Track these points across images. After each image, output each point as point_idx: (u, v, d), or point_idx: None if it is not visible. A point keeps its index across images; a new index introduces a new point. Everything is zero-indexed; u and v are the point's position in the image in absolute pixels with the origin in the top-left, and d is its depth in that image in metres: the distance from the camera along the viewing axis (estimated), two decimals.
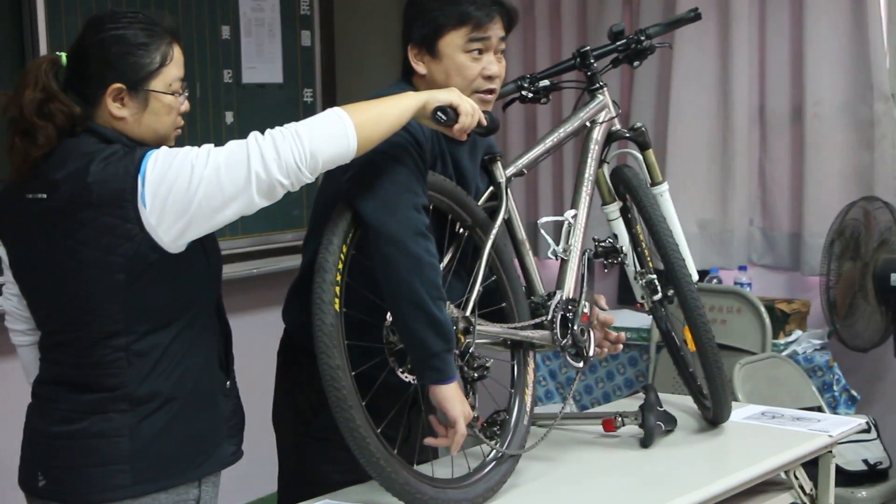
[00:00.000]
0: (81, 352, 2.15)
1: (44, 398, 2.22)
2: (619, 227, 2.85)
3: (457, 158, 2.49)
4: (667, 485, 2.48)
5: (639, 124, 2.87)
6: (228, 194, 2.07)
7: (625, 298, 4.75)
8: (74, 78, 2.18)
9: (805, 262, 4.47)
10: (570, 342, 2.55)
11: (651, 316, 2.94)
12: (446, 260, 2.41)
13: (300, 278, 2.52)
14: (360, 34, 5.07)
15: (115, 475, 2.13)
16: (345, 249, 2.21)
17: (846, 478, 3.89)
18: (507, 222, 2.55)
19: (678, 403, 2.95)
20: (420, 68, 2.45)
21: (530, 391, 2.51)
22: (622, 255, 2.75)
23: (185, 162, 2.07)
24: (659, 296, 2.82)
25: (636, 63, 2.85)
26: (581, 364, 2.58)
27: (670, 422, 2.78)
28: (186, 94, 2.25)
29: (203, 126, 4.35)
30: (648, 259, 2.85)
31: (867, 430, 3.99)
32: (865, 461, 4.01)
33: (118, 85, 2.15)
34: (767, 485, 2.71)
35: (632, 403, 2.84)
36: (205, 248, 2.21)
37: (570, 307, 2.57)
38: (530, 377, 2.52)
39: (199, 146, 2.11)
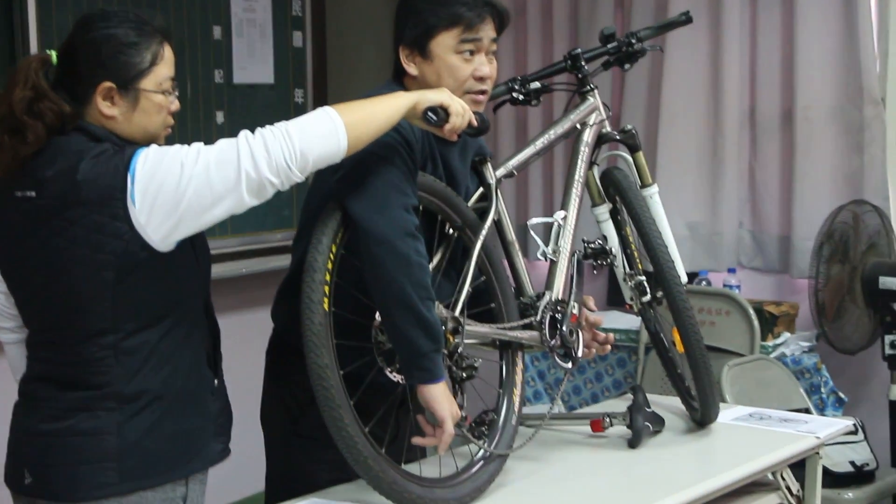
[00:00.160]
0: (69, 349, 2.15)
1: (31, 396, 2.22)
2: (609, 229, 2.85)
3: (447, 159, 2.49)
4: (654, 485, 2.48)
5: (629, 126, 2.88)
6: (218, 193, 2.07)
7: (614, 300, 4.75)
8: (64, 76, 2.18)
9: (794, 265, 4.47)
10: (558, 343, 2.55)
11: (640, 317, 2.94)
12: (436, 260, 2.41)
13: (289, 278, 2.52)
14: (352, 35, 5.06)
15: (101, 473, 2.13)
16: (334, 249, 2.21)
17: (833, 479, 3.89)
18: (497, 223, 2.55)
19: (666, 404, 2.96)
20: (411, 69, 2.45)
21: (518, 391, 2.51)
22: (611, 257, 2.75)
23: (175, 160, 2.07)
24: (648, 297, 2.82)
25: (627, 66, 2.85)
26: (570, 365, 2.59)
27: (658, 423, 2.78)
28: (177, 94, 2.24)
29: (194, 126, 4.34)
30: (638, 261, 2.86)
31: (854, 432, 3.99)
32: (852, 463, 4.02)
33: (108, 84, 2.15)
34: (755, 486, 2.71)
35: (620, 404, 2.85)
36: (194, 247, 2.21)
37: (559, 308, 2.57)
38: (519, 377, 2.52)
39: (190, 145, 2.11)
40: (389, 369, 2.28)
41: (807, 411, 3.88)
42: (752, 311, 4.21)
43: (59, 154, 2.13)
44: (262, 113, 4.50)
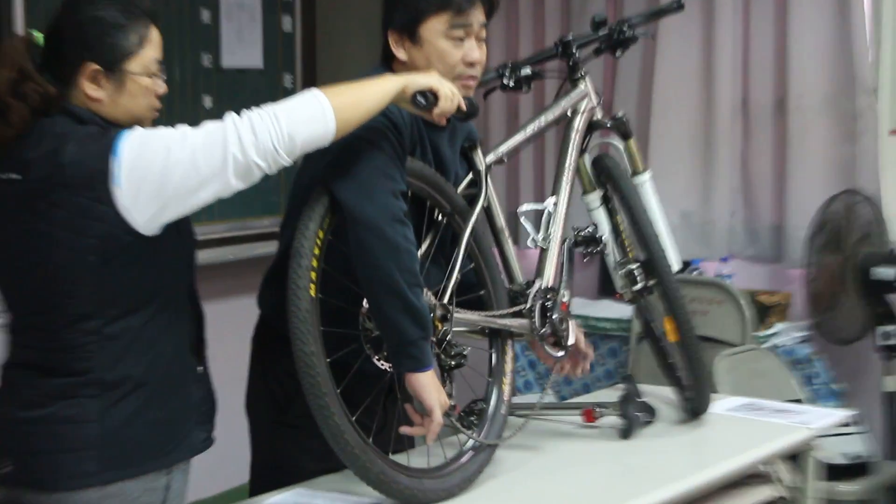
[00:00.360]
0: (51, 335, 2.13)
1: (11, 382, 2.20)
2: (600, 217, 2.85)
3: (436, 144, 2.48)
4: (646, 476, 2.48)
5: (621, 113, 2.88)
6: (204, 176, 2.06)
7: (605, 289, 4.75)
8: (50, 58, 2.17)
9: (787, 255, 4.47)
10: (548, 331, 2.54)
11: (632, 306, 2.94)
12: (424, 247, 2.40)
13: (276, 264, 2.51)
14: (342, 20, 5.05)
15: (83, 461, 2.11)
16: (321, 235, 2.21)
17: (828, 471, 3.89)
18: (487, 210, 2.55)
19: (658, 395, 2.96)
20: (401, 54, 2.44)
21: (508, 380, 2.51)
22: (603, 245, 2.75)
23: (161, 143, 2.06)
24: (640, 286, 2.82)
25: (619, 53, 2.85)
26: (560, 353, 2.58)
27: (650, 413, 2.78)
28: (164, 77, 2.23)
29: (181, 110, 4.32)
30: (629, 249, 2.85)
31: (849, 424, 3.99)
32: (847, 455, 4.02)
33: (94, 66, 2.14)
34: (748, 478, 2.71)
35: (612, 394, 2.85)
36: (179, 232, 2.19)
37: (549, 296, 2.57)
38: (508, 366, 2.52)
39: (176, 127, 2.10)
40: (377, 357, 2.28)
41: (800, 403, 3.88)
42: (744, 301, 4.21)
43: (43, 136, 2.11)
44: (251, 97, 4.47)
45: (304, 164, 2.46)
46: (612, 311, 4.51)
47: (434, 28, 2.41)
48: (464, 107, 2.32)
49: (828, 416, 2.94)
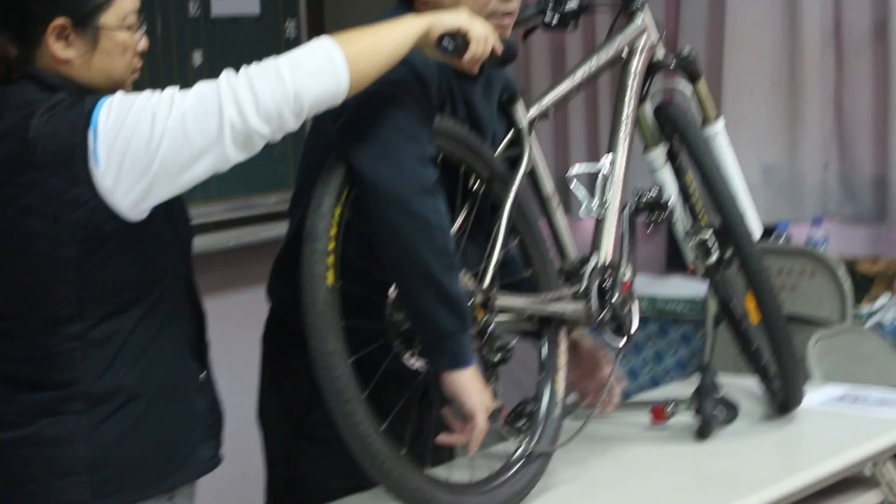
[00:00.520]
0: (28, 342, 2.16)
1: None
2: (666, 177, 2.86)
3: (469, 98, 2.49)
4: (728, 484, 2.49)
5: (687, 50, 2.88)
6: (198, 147, 2.08)
7: (674, 263, 4.76)
8: (10, 13, 2.18)
9: (892, 214, 4.46)
10: (608, 316, 2.56)
11: (706, 283, 2.95)
12: (459, 221, 2.41)
13: (286, 248, 2.53)
14: None
15: (70, 489, 2.14)
16: (338, 212, 2.22)
17: None
18: (531, 174, 2.56)
19: (741, 387, 2.96)
20: None
21: (562, 376, 2.52)
22: (669, 211, 2.75)
23: (145, 110, 2.08)
24: (715, 258, 2.83)
25: None
26: (623, 342, 2.60)
27: (731, 409, 2.79)
28: (144, 30, 2.24)
29: (166, 68, 4.34)
30: (702, 214, 2.86)
31: None
32: None
33: (62, 20, 2.15)
34: (850, 481, 2.72)
35: (685, 388, 2.86)
36: (171, 216, 2.22)
37: (607, 274, 2.58)
38: (562, 360, 2.54)
39: (161, 90, 2.12)
40: (408, 354, 2.30)
41: None
42: (841, 272, 4.20)
43: (5, 108, 2.14)
44: (247, 51, 4.44)
45: (314, 128, 2.48)
46: (684, 290, 4.51)
47: None
48: (500, 51, 2.33)
49: None
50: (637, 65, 2.77)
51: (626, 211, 2.68)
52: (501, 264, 2.40)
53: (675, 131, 2.82)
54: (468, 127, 2.46)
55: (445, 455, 2.44)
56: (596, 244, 2.63)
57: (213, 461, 2.33)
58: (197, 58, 4.48)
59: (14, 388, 2.17)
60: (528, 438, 2.43)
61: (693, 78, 2.90)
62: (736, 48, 4.69)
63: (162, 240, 2.20)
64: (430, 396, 2.31)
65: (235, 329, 3.14)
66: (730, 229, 2.75)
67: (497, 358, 2.32)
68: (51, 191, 2.08)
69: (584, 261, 2.59)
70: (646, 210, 2.74)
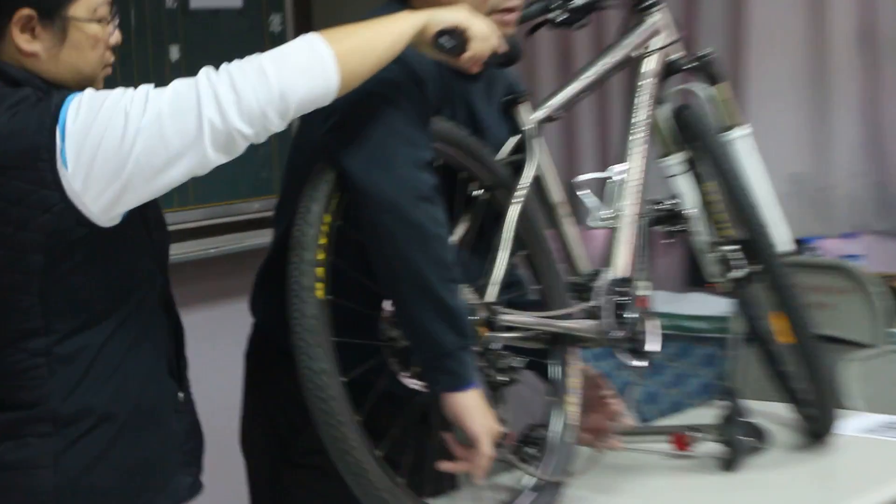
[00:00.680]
0: None
1: None
2: (684, 185, 2.86)
3: (470, 99, 2.50)
4: None
5: (707, 51, 2.88)
6: (174, 149, 2.08)
7: (694, 278, 4.75)
8: None
9: None
10: (624, 334, 2.56)
11: (730, 300, 2.94)
12: (459, 231, 2.42)
13: (271, 258, 2.53)
14: None
15: None
16: (328, 220, 2.22)
17: None
18: (538, 181, 2.56)
19: (770, 413, 2.96)
20: None
21: (574, 399, 2.52)
22: (689, 222, 2.75)
23: (118, 108, 2.08)
24: (739, 273, 2.83)
25: None
26: (640, 363, 2.59)
27: (759, 437, 2.78)
28: (117, 22, 2.25)
29: (141, 64, 4.34)
30: (724, 226, 2.86)
31: None
32: None
33: (27, 11, 2.15)
34: None
35: (709, 414, 2.85)
36: (146, 222, 2.22)
37: (622, 289, 2.58)
38: (574, 381, 2.54)
39: (135, 88, 2.12)
40: (405, 374, 2.29)
41: None
42: (876, 289, 4.20)
43: None
44: (229, 46, 4.49)
45: (301, 129, 2.48)
46: (706, 307, 4.50)
47: None
48: (502, 49, 2.33)
49: None
50: (652, 66, 2.78)
51: (643, 221, 2.68)
52: (507, 286, 2.40)
53: (694, 136, 2.83)
54: (469, 130, 2.46)
55: (447, 485, 2.44)
56: (609, 257, 2.63)
57: (193, 489, 2.33)
58: (174, 53, 4.49)
59: None
60: (537, 467, 2.42)
61: (713, 81, 2.90)
62: (759, 49, 4.69)
63: (136, 248, 2.20)
64: (430, 420, 2.31)
65: (216, 345, 3.14)
66: (755, 243, 2.76)
67: (503, 379, 2.32)
68: (15, 194, 2.08)
69: (596, 274, 2.59)
70: (663, 221, 2.75)
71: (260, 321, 2.62)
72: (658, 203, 2.76)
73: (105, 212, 2.09)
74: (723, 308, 4.38)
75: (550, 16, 2.68)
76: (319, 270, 2.18)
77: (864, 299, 4.22)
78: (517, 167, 2.51)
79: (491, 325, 2.33)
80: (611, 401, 2.71)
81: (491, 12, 2.43)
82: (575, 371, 2.55)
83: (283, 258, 2.22)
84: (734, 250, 2.83)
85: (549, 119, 2.60)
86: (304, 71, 2.12)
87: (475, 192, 2.48)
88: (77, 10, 2.18)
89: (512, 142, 2.55)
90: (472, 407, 2.21)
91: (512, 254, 2.44)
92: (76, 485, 2.15)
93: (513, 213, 2.44)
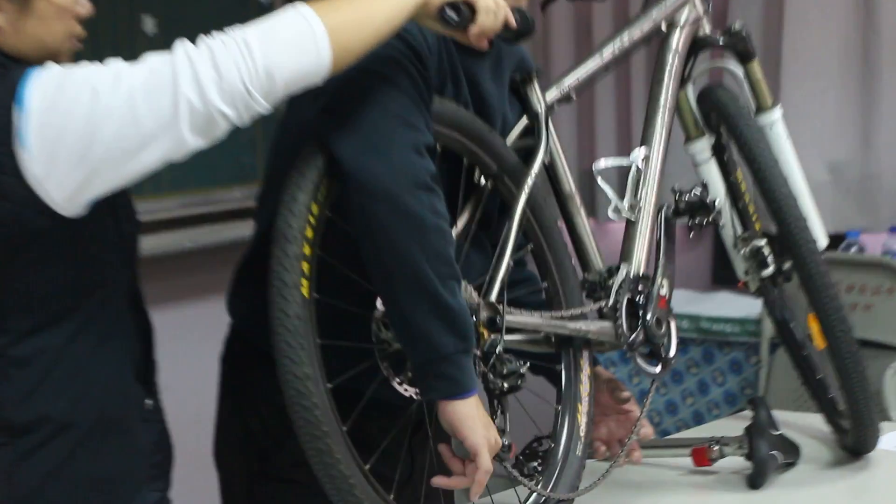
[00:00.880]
0: None
1: None
2: (712, 173, 2.86)
3: (476, 78, 2.50)
4: None
5: (739, 25, 2.88)
6: (148, 131, 2.07)
7: (721, 276, 4.76)
8: None
9: None
10: (641, 337, 2.56)
11: (760, 300, 2.95)
12: (461, 223, 2.42)
13: (253, 252, 2.54)
14: None
15: None
16: (316, 210, 2.22)
17: None
18: (549, 168, 2.57)
19: (802, 425, 2.97)
20: None
21: (585, 409, 2.53)
22: (716, 213, 2.75)
23: (85, 86, 2.07)
24: (771, 270, 2.83)
25: None
26: (658, 369, 2.60)
27: (790, 451, 2.79)
28: None
29: (111, 37, 4.34)
30: (755, 218, 2.86)
31: None
32: None
33: None
34: None
35: (735, 425, 2.86)
36: (115, 212, 2.22)
37: (640, 287, 2.58)
38: (585, 389, 2.54)
39: (104, 62, 2.12)
40: (398, 380, 2.30)
41: None
42: None
43: None
44: (210, 18, 4.49)
45: (288, 111, 2.48)
46: (733, 308, 4.50)
47: None
48: (513, 23, 2.33)
49: None
50: (678, 41, 2.79)
51: (664, 213, 2.68)
52: (512, 284, 2.40)
53: (723, 120, 2.83)
54: (474, 111, 2.46)
55: (442, 502, 2.44)
56: (626, 252, 2.64)
57: None
58: (148, 25, 4.49)
59: None
60: (542, 483, 2.43)
61: (745, 58, 2.91)
62: (797, 22, 4.69)
63: (102, 240, 2.20)
64: (425, 431, 2.31)
65: (189, 348, 3.14)
66: (789, 237, 2.75)
67: (506, 385, 2.32)
68: None
69: (612, 272, 2.60)
70: (687, 212, 2.74)
71: (238, 322, 2.61)
72: (682, 192, 2.75)
73: (69, 200, 2.09)
74: (752, 309, 4.40)
75: None
76: (305, 266, 2.17)
77: None
78: (526, 153, 2.53)
79: (494, 326, 2.33)
80: (628, 408, 2.71)
81: None
82: (586, 377, 2.55)
83: (265, 252, 2.21)
84: (766, 245, 2.83)
85: (563, 100, 2.61)
86: (293, 46, 2.11)
87: (479, 180, 2.48)
88: None
89: (521, 125, 2.56)
90: (470, 416, 2.21)
91: (518, 248, 2.45)
92: (31, 500, 2.15)
93: (520, 203, 2.44)
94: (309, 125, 2.28)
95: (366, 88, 2.24)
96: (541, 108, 2.55)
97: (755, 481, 2.71)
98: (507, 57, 2.58)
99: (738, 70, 2.91)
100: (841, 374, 2.79)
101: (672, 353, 2.61)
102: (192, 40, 2.12)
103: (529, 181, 2.47)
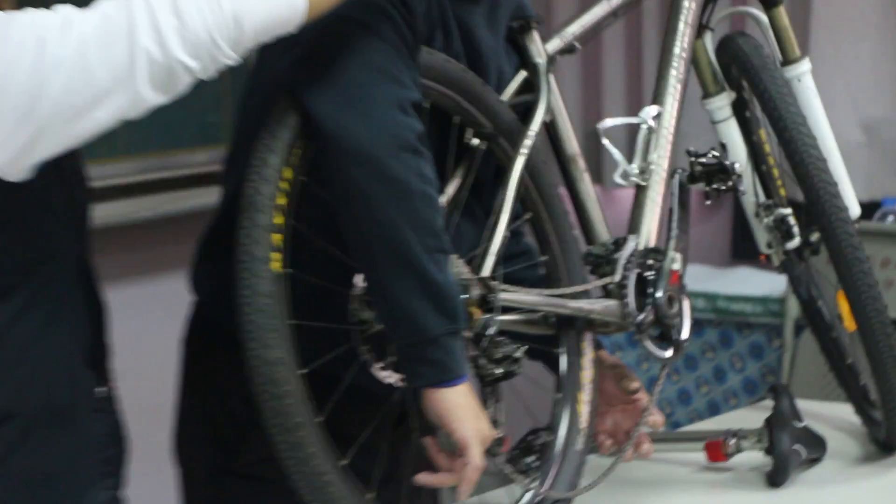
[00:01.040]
0: None
1: None
2: (731, 133, 2.86)
3: (468, 26, 2.50)
4: None
5: None
6: (101, 85, 2.07)
7: (742, 249, 4.76)
8: None
9: None
10: (651, 318, 2.56)
11: (784, 276, 2.95)
12: (451, 189, 2.42)
13: (218, 222, 2.53)
14: None
15: None
16: (289, 175, 2.22)
17: None
18: (550, 128, 2.57)
19: (829, 416, 2.98)
20: None
21: (587, 398, 2.54)
22: (736, 179, 2.75)
23: (30, 34, 2.07)
24: (796, 242, 2.83)
25: None
26: (670, 353, 2.60)
27: (815, 446, 2.79)
28: None
29: None
30: (779, 184, 2.86)
31: None
32: None
33: None
34: None
35: (754, 416, 2.86)
36: (63, 177, 2.22)
37: (650, 262, 2.58)
38: (587, 375, 2.55)
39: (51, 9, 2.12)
40: (379, 365, 2.30)
41: None
42: None
43: None
44: None
45: (259, 63, 2.48)
46: (754, 286, 4.51)
47: None
48: None
49: None
50: None
51: (677, 178, 2.68)
52: (508, 258, 2.40)
53: (744, 73, 2.83)
54: (466, 64, 2.46)
55: (427, 501, 2.44)
56: (635, 222, 2.63)
57: None
58: None
59: None
60: (539, 481, 2.43)
61: (770, 3, 2.90)
62: None
63: (49, 209, 2.20)
64: (408, 422, 2.31)
65: (147, 329, 3.14)
66: (817, 204, 2.75)
67: (499, 372, 2.33)
68: None
69: (619, 244, 2.60)
70: (704, 177, 2.74)
71: (202, 300, 2.61)
72: (699, 155, 2.74)
73: (12, 163, 2.08)
74: (775, 287, 4.40)
75: None
76: (276, 237, 2.17)
77: None
78: (525, 110, 2.53)
79: (487, 305, 2.33)
80: (636, 396, 2.71)
81: None
82: (589, 362, 2.55)
83: (231, 222, 2.21)
84: (791, 214, 2.83)
85: (566, 50, 2.60)
86: None
87: (472, 141, 2.48)
88: None
89: (519, 79, 2.56)
90: (459, 406, 2.22)
91: (515, 218, 2.45)
92: None
93: (517, 166, 2.44)
94: (281, 79, 2.28)
95: (345, 37, 2.24)
96: (541, 60, 2.55)
97: (776, 479, 2.71)
98: (504, 3, 2.58)
99: (762, 16, 2.91)
100: (873, 359, 2.79)
101: (685, 335, 2.60)
102: None
103: (528, 142, 2.46)
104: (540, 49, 2.56)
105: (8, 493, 2.18)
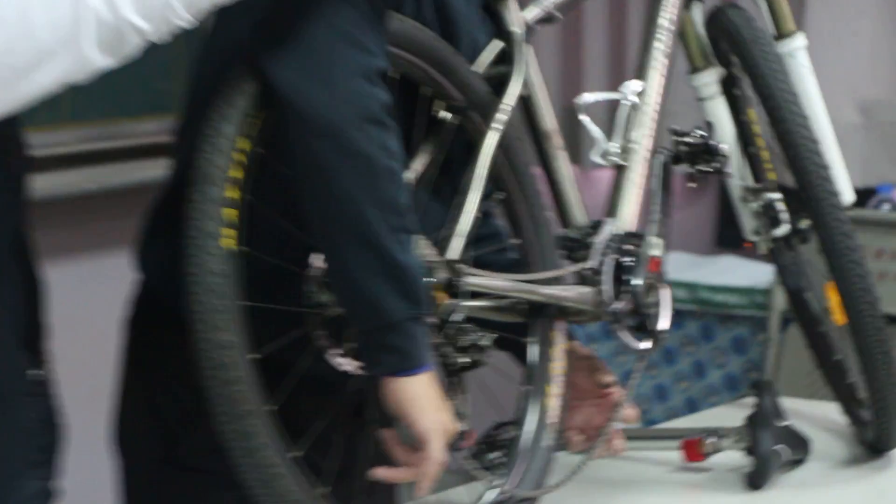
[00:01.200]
0: None
1: None
2: (719, 112, 2.86)
3: None
4: None
5: None
6: (43, 46, 2.06)
7: (726, 237, 4.78)
8: None
9: None
10: (628, 307, 2.57)
11: (771, 266, 2.95)
12: (419, 165, 2.42)
13: (167, 196, 2.53)
14: None
15: None
16: (244, 146, 2.22)
17: None
18: (525, 102, 2.57)
19: (814, 415, 2.99)
20: None
21: (557, 391, 2.53)
22: (723, 161, 2.75)
23: None
24: (785, 230, 2.84)
25: None
26: (647, 345, 2.60)
27: (799, 446, 2.80)
28: None
29: None
30: (769, 167, 2.87)
31: None
32: None
33: None
34: None
35: (734, 414, 2.87)
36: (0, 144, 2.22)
37: (629, 247, 2.59)
38: (558, 367, 2.55)
39: None
40: (336, 351, 2.30)
41: None
42: None
43: None
44: None
45: (215, 27, 2.47)
46: (738, 275, 4.52)
47: None
48: None
49: None
50: None
51: (660, 159, 2.68)
52: (477, 239, 2.40)
53: (733, 48, 2.83)
54: (437, 32, 2.45)
55: (383, 497, 2.44)
56: (614, 204, 2.64)
57: (44, 498, 2.32)
58: None
59: None
60: (504, 478, 2.43)
61: None
62: None
63: None
64: (365, 413, 2.31)
65: (88, 308, 3.13)
66: (808, 189, 2.76)
67: (464, 361, 2.33)
68: None
69: (596, 227, 2.60)
70: (688, 159, 2.74)
71: (148, 278, 2.59)
72: (683, 134, 2.75)
73: None
74: (760, 277, 4.41)
75: None
76: (229, 213, 2.17)
77: None
78: (499, 83, 2.52)
79: (453, 289, 2.34)
80: (609, 391, 2.71)
81: None
82: (560, 353, 2.56)
83: (182, 196, 2.21)
84: (780, 200, 2.83)
85: (545, 20, 2.60)
86: None
87: (441, 114, 2.48)
88: None
89: (494, 49, 2.55)
90: (420, 396, 2.22)
91: (486, 197, 2.46)
92: None
93: (489, 142, 2.44)
94: (239, 44, 2.27)
95: (309, 0, 2.23)
96: (518, 30, 2.54)
97: (756, 480, 2.72)
98: None
99: None
100: (863, 355, 2.80)
101: (664, 326, 2.61)
102: None
103: (502, 117, 2.46)
104: (517, 17, 2.55)
105: None
